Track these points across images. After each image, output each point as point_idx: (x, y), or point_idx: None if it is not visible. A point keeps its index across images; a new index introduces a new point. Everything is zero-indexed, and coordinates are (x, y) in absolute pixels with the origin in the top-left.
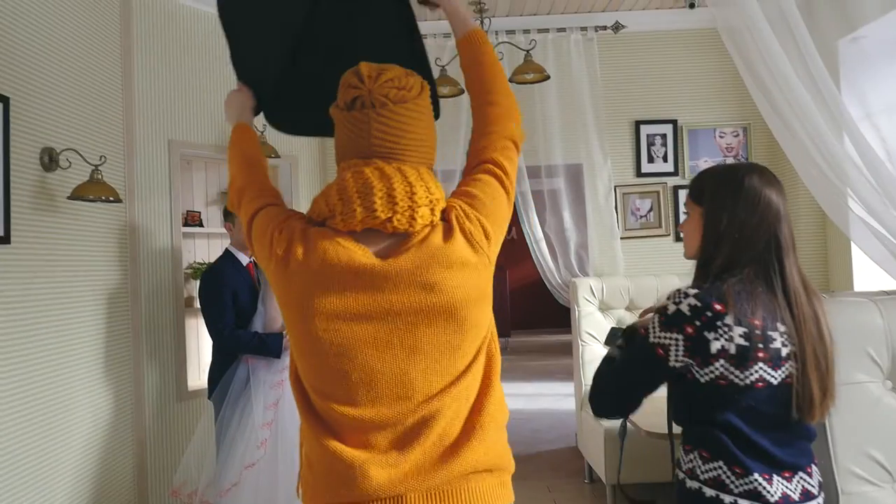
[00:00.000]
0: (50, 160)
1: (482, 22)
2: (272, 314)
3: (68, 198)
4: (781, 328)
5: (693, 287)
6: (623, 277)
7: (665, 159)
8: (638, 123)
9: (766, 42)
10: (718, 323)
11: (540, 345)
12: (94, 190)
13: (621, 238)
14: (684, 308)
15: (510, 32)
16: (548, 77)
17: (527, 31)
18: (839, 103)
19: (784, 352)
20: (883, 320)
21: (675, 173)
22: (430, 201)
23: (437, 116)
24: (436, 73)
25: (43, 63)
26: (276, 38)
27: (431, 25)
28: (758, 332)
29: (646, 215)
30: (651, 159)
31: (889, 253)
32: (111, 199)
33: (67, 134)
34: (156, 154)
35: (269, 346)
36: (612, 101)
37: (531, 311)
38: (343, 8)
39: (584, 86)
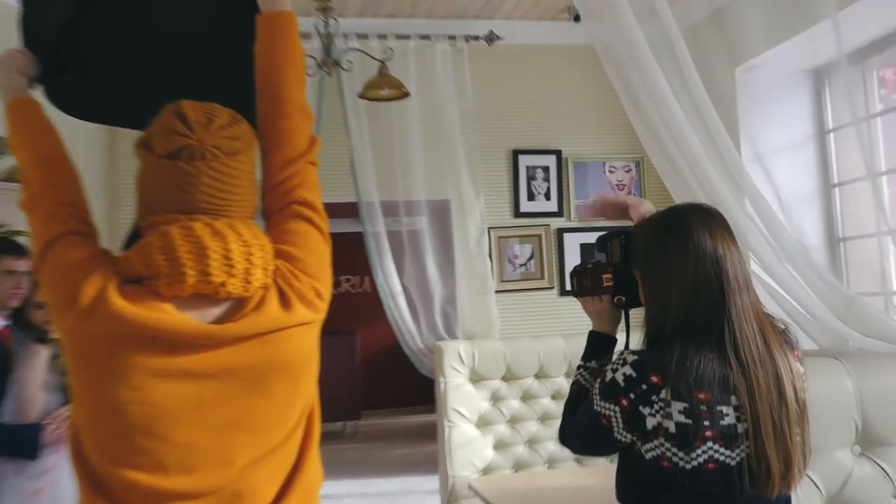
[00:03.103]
0: None
1: (327, 22)
2: (27, 394)
3: None
4: (734, 401)
5: (635, 352)
6: (499, 340)
7: (548, 196)
8: (516, 153)
9: (648, 68)
10: (654, 397)
11: (399, 428)
12: None
13: (496, 291)
14: (619, 378)
15: (362, 37)
16: (407, 94)
17: (383, 37)
18: (730, 147)
19: (740, 428)
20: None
21: (560, 213)
22: (265, 261)
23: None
24: None
25: None
26: None
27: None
28: (703, 407)
29: (526, 264)
30: (532, 196)
31: (784, 312)
32: None
33: None
34: None
35: (21, 443)
36: (486, 126)
37: (387, 385)
38: None
39: (451, 106)
